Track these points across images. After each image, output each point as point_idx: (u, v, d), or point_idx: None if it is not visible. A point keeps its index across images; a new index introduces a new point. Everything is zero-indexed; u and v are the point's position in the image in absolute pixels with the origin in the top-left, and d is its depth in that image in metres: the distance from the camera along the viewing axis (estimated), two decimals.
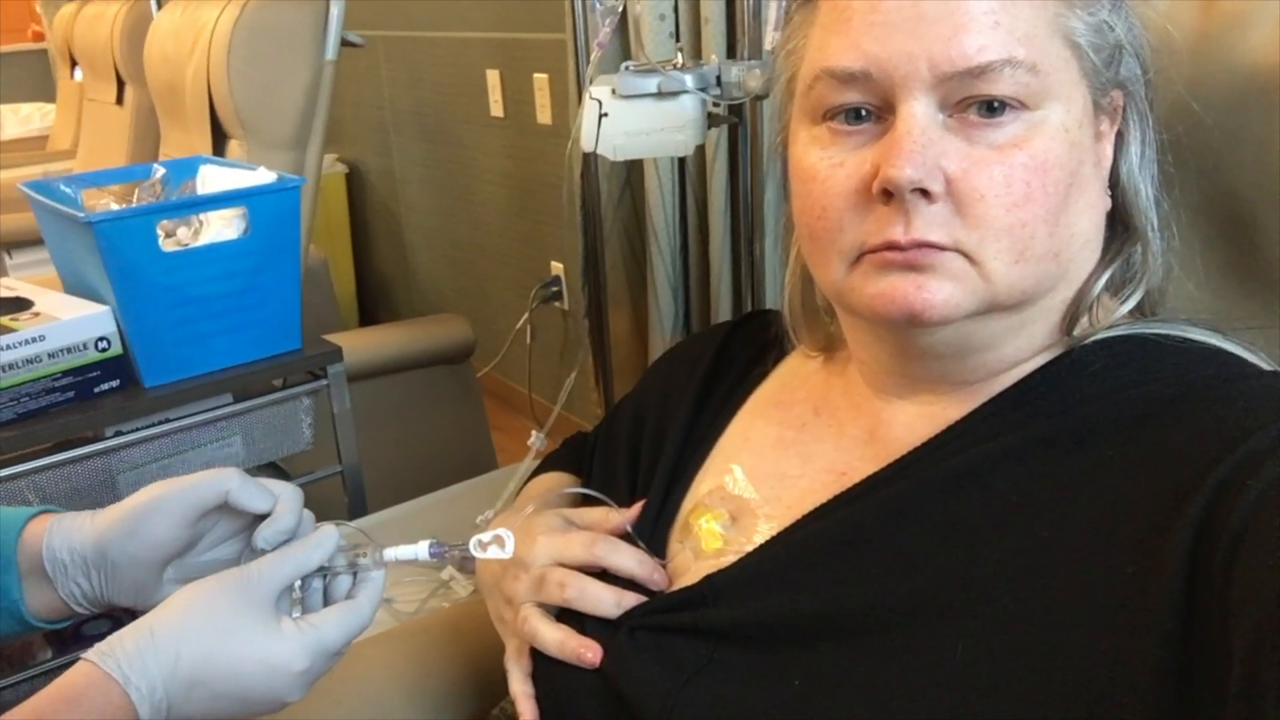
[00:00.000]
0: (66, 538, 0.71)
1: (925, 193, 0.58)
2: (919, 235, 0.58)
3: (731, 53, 1.44)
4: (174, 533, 0.70)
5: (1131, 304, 0.66)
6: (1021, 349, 0.65)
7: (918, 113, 0.59)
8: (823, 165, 0.63)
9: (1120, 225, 0.66)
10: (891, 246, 0.59)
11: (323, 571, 0.69)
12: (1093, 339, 0.64)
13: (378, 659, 0.94)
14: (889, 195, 0.59)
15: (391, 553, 0.70)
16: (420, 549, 0.69)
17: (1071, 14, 0.60)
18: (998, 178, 0.58)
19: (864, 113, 0.61)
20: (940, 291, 0.59)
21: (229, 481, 0.70)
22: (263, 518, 0.71)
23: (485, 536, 0.67)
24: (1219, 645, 0.48)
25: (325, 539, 0.68)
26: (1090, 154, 0.62)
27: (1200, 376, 0.60)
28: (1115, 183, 0.65)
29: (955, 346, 0.64)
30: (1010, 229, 0.58)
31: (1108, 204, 0.65)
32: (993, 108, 0.58)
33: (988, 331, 0.63)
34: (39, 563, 0.70)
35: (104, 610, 0.73)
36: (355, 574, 0.70)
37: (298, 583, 0.68)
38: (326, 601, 0.70)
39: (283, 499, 0.71)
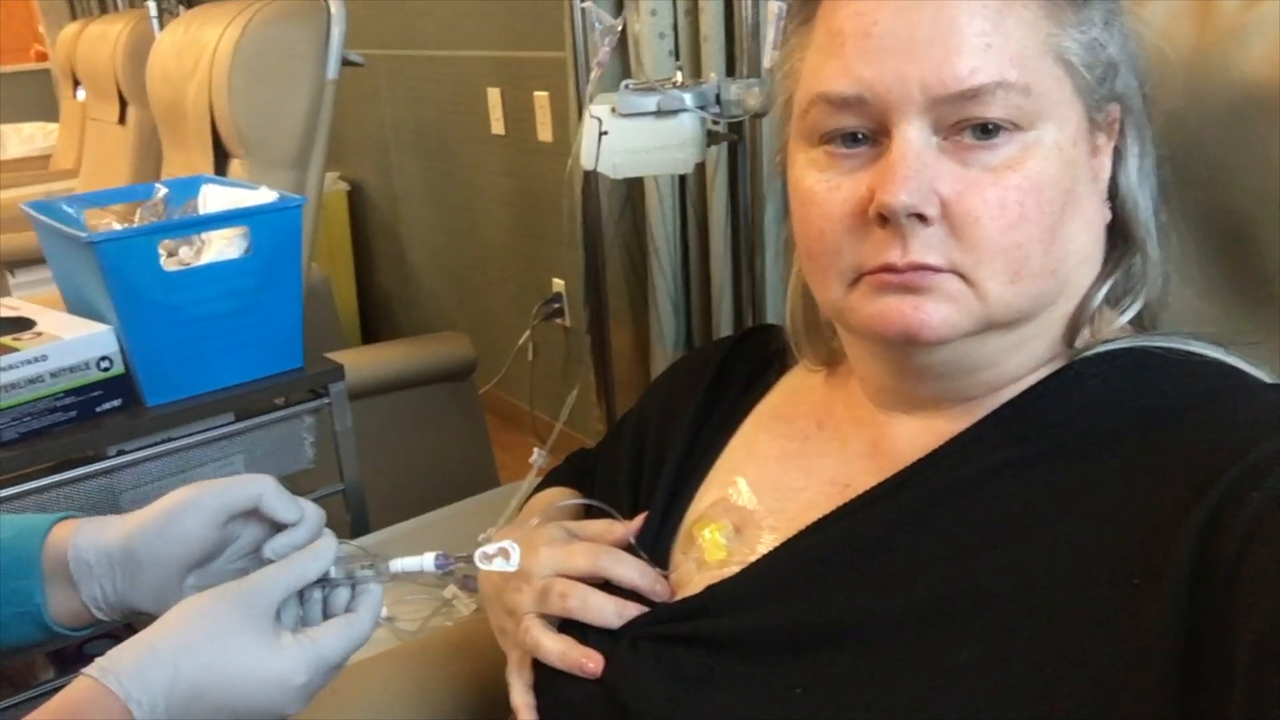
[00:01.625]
0: (93, 538, 0.71)
1: (921, 216, 0.58)
2: (915, 258, 0.59)
3: (731, 70, 1.45)
4: (204, 532, 0.70)
5: (1130, 314, 0.66)
6: (1022, 364, 0.65)
7: (911, 136, 0.59)
8: (820, 188, 0.63)
9: (1120, 237, 0.67)
10: (888, 269, 0.60)
11: (322, 583, 0.69)
12: (1094, 352, 0.64)
13: (380, 678, 0.94)
14: (885, 219, 0.59)
15: (398, 564, 0.70)
16: (426, 560, 0.70)
17: (1063, 33, 0.61)
18: (992, 200, 0.58)
19: (860, 136, 0.62)
20: (937, 312, 0.60)
21: (264, 486, 0.71)
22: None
23: (490, 549, 0.68)
24: (1222, 656, 0.48)
25: (324, 550, 0.68)
26: (1086, 170, 0.62)
27: (1202, 389, 0.60)
28: (1114, 195, 0.66)
29: (954, 365, 0.64)
30: (1006, 250, 0.59)
31: (1107, 217, 0.65)
32: (986, 130, 0.59)
33: (986, 350, 0.63)
34: (63, 566, 0.71)
35: (122, 617, 0.73)
36: (354, 586, 0.70)
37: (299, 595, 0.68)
38: (326, 613, 0.70)
39: (305, 515, 0.72)
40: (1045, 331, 0.64)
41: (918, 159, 0.59)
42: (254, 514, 0.72)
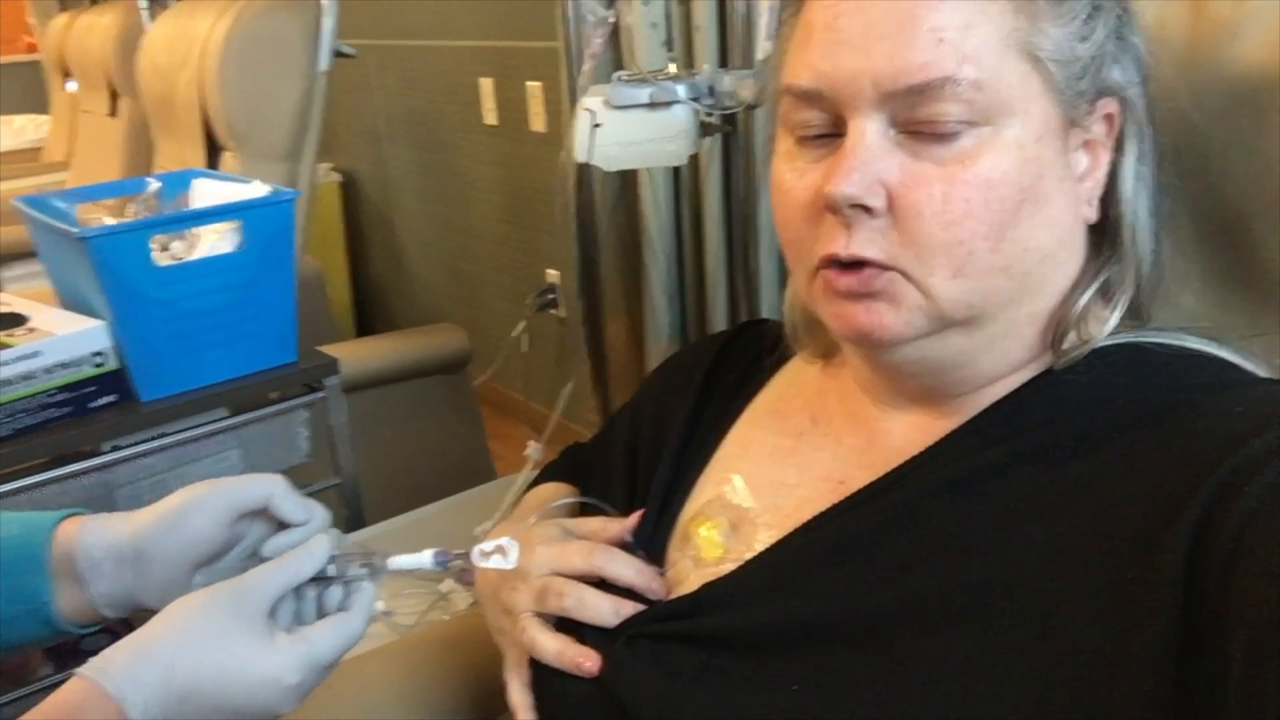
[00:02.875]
0: (101, 535, 0.71)
1: (865, 208, 0.59)
2: (856, 250, 0.59)
3: (724, 62, 1.44)
4: (213, 530, 0.70)
5: (1119, 312, 0.65)
6: (998, 364, 0.65)
7: (865, 129, 0.59)
8: (788, 177, 0.64)
9: (1111, 235, 0.66)
10: (833, 260, 0.61)
11: (316, 580, 0.69)
12: (1086, 350, 0.63)
13: (377, 672, 0.94)
14: (834, 209, 0.60)
15: (396, 561, 0.70)
16: (425, 558, 0.70)
17: (1034, 28, 0.59)
18: (937, 195, 0.58)
19: (825, 128, 0.62)
20: (888, 314, 0.60)
21: (274, 487, 0.71)
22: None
23: (488, 546, 0.68)
24: (1217, 650, 0.48)
25: (317, 549, 0.68)
26: (1053, 168, 0.61)
27: (1197, 383, 0.60)
28: (1110, 191, 0.65)
29: (922, 364, 0.64)
30: (946, 246, 0.59)
31: (1090, 215, 0.64)
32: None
33: (952, 348, 0.63)
34: (70, 563, 0.71)
35: (129, 614, 0.73)
36: (347, 584, 0.70)
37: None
38: (320, 610, 0.70)
39: (312, 517, 0.72)
40: (1014, 331, 0.64)
41: (866, 151, 0.59)
42: (262, 513, 0.72)
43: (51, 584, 0.71)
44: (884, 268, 0.60)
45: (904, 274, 0.60)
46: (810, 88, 0.61)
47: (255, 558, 0.72)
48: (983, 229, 0.59)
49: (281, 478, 0.72)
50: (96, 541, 0.71)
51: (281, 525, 0.72)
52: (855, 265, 0.60)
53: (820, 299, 0.63)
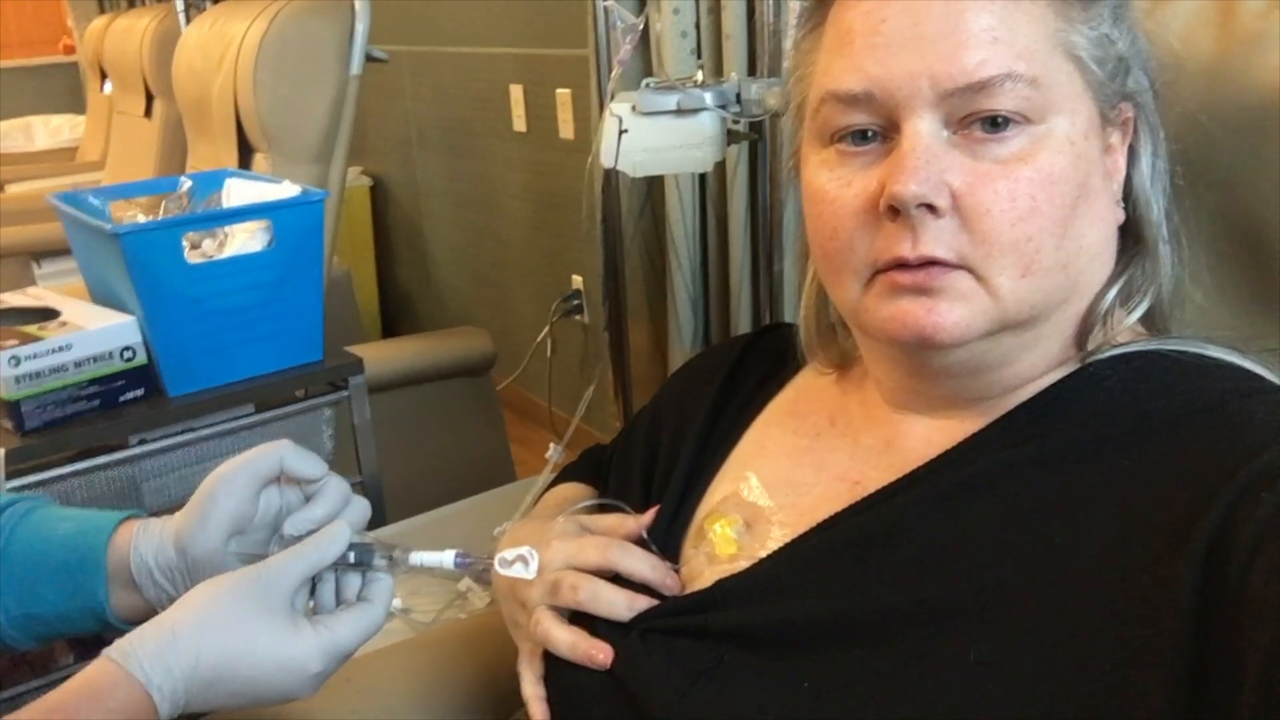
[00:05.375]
0: (152, 543, 0.73)
1: (932, 208, 0.59)
2: (926, 251, 0.59)
3: (752, 70, 1.45)
4: (242, 507, 0.72)
5: (1139, 313, 0.66)
6: (1036, 364, 0.65)
7: (922, 130, 0.59)
8: (832, 186, 0.64)
9: (1131, 238, 0.67)
10: (900, 263, 0.60)
11: (336, 566, 0.70)
12: (1109, 354, 0.64)
13: (394, 669, 0.94)
14: (896, 212, 0.59)
15: (417, 557, 0.71)
16: (446, 557, 0.71)
17: (1071, 28, 0.61)
18: (1003, 192, 0.59)
19: (870, 133, 0.62)
20: (950, 314, 0.60)
21: (283, 449, 0.73)
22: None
23: (509, 554, 0.68)
24: (1232, 656, 0.48)
25: (338, 536, 0.69)
26: (1098, 166, 0.63)
27: (1218, 391, 0.60)
28: (1128, 195, 0.66)
29: (969, 365, 0.64)
30: (1016, 243, 0.59)
31: (1120, 216, 0.65)
32: (996, 123, 0.59)
33: (1002, 349, 0.63)
34: (125, 567, 0.73)
35: None
36: (365, 572, 0.71)
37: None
38: (339, 595, 0.71)
39: (326, 489, 0.73)
40: (1058, 331, 0.64)
41: (927, 150, 0.59)
42: (281, 478, 0.74)
43: (108, 586, 0.72)
44: (952, 266, 0.59)
45: (973, 273, 0.60)
46: (860, 91, 0.61)
47: (279, 536, 0.73)
48: (1049, 225, 0.59)
49: (287, 440, 0.74)
50: (148, 550, 0.73)
51: (306, 494, 0.74)
52: (920, 266, 0.60)
53: (876, 304, 0.62)
